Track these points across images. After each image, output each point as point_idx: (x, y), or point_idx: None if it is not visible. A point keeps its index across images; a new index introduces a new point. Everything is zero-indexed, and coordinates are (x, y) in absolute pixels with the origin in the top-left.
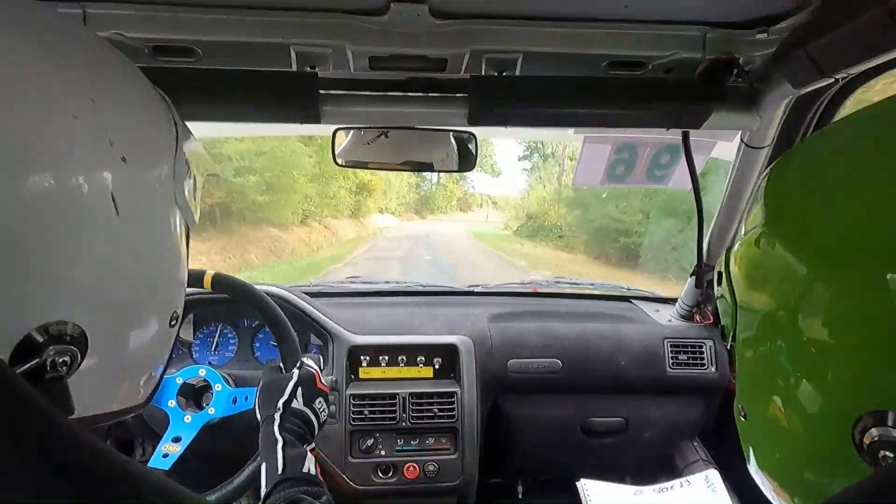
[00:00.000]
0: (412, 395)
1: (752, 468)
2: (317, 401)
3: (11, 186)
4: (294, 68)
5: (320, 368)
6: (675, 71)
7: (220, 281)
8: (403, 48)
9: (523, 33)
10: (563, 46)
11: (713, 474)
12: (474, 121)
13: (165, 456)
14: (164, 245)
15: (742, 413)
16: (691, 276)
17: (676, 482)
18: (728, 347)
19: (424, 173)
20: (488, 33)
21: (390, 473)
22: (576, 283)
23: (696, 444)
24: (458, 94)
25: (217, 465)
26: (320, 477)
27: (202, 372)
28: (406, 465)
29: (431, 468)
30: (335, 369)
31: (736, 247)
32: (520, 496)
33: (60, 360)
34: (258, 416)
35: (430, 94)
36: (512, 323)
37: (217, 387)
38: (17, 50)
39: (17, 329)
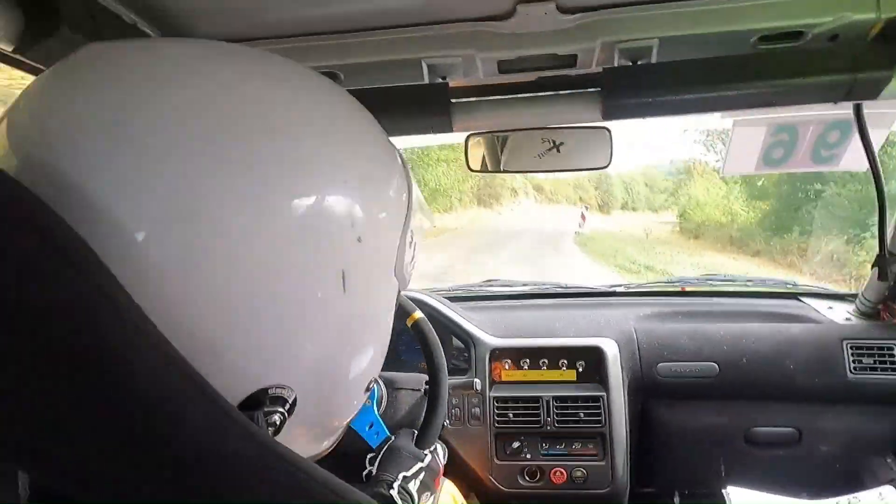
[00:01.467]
0: (556, 398)
1: None
2: (425, 495)
3: (255, 258)
4: (426, 81)
5: (443, 466)
6: (842, 36)
7: (419, 326)
8: (532, 49)
9: (659, 17)
10: (705, 26)
11: (888, 491)
12: (609, 115)
13: None
14: (376, 318)
15: None
16: (873, 267)
17: (843, 499)
18: None
19: None
20: (620, 22)
21: (537, 477)
22: (730, 280)
23: (890, 459)
24: (590, 90)
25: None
26: None
27: None
28: (553, 470)
29: (579, 474)
30: (477, 372)
31: None
32: None
33: (272, 421)
34: (372, 462)
35: (561, 92)
36: (660, 324)
37: (367, 402)
38: (285, 128)
39: (246, 388)
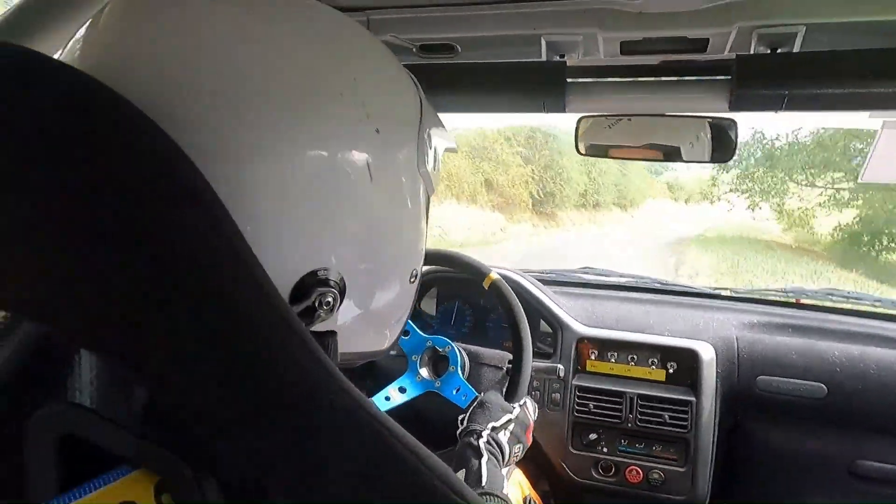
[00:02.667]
0: (641, 396)
1: None
2: (517, 446)
3: (290, 153)
4: (543, 58)
5: (533, 421)
6: None
7: (497, 287)
8: (660, 31)
9: (809, 1)
10: (864, 13)
11: None
12: (737, 106)
13: (388, 399)
14: (407, 209)
15: None
16: None
17: None
18: None
19: None
20: (763, 5)
21: (611, 472)
22: (855, 298)
23: None
24: (718, 77)
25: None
26: None
27: (447, 348)
28: (628, 468)
29: (656, 476)
30: (562, 358)
31: None
32: None
33: (325, 301)
34: (462, 422)
35: (686, 78)
36: (766, 335)
37: (451, 368)
38: (294, 40)
39: (295, 272)
